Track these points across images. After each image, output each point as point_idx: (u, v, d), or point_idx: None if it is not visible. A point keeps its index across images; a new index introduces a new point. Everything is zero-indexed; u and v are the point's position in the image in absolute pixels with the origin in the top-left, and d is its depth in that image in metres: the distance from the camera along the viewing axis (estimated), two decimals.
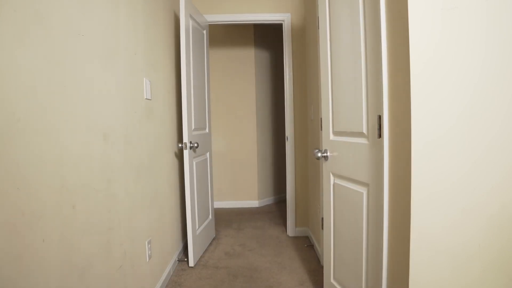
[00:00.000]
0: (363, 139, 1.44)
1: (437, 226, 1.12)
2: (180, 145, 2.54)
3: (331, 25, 1.71)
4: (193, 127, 2.65)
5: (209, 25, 3.42)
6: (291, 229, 3.29)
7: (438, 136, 1.10)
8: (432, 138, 1.10)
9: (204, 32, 3.05)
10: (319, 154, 1.83)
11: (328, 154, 1.80)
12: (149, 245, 2.01)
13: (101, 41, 1.46)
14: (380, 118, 1.29)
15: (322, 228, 2.49)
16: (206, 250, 2.91)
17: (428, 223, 1.12)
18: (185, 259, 2.67)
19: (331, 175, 1.79)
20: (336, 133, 1.72)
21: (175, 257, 2.60)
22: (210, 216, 3.13)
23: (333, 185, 1.77)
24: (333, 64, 1.71)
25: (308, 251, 2.85)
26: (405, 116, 1.13)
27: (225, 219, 3.85)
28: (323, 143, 1.86)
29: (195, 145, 2.61)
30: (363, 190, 1.46)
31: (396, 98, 1.19)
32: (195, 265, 2.58)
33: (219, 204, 4.40)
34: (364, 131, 1.42)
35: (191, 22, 2.65)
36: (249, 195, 4.43)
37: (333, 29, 1.69)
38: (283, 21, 3.23)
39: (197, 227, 2.70)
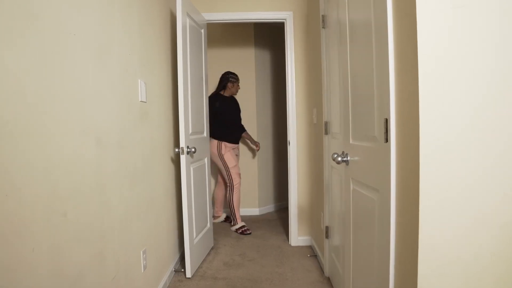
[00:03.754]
0: (375, 143, 1.39)
1: (447, 234, 1.06)
2: (176, 150, 2.48)
3: (349, 27, 1.69)
4: (190, 131, 2.59)
5: (208, 24, 3.32)
6: (293, 238, 3.20)
7: (448, 140, 1.05)
8: (442, 142, 1.05)
9: (202, 31, 3.00)
10: (339, 159, 1.73)
11: (349, 158, 1.72)
12: (144, 255, 1.94)
13: (94, 41, 1.41)
14: (387, 121, 1.24)
15: (326, 237, 2.42)
16: (204, 260, 2.83)
17: (438, 232, 1.06)
18: (182, 270, 2.59)
19: (350, 180, 1.73)
20: (354, 137, 1.68)
21: (171, 267, 2.52)
22: (208, 225, 3.05)
23: (352, 191, 1.71)
24: (351, 65, 1.68)
25: (311, 261, 2.78)
26: (413, 119, 1.08)
27: (224, 228, 3.77)
28: (344, 146, 1.81)
29: (193, 150, 2.55)
30: (375, 196, 1.41)
31: (404, 101, 1.14)
32: (192, 276, 2.50)
33: None
34: (376, 134, 1.38)
35: (188, 20, 2.60)
36: (249, 202, 4.34)
37: (349, 31, 1.68)
38: (285, 19, 3.14)
39: (194, 236, 2.62)
